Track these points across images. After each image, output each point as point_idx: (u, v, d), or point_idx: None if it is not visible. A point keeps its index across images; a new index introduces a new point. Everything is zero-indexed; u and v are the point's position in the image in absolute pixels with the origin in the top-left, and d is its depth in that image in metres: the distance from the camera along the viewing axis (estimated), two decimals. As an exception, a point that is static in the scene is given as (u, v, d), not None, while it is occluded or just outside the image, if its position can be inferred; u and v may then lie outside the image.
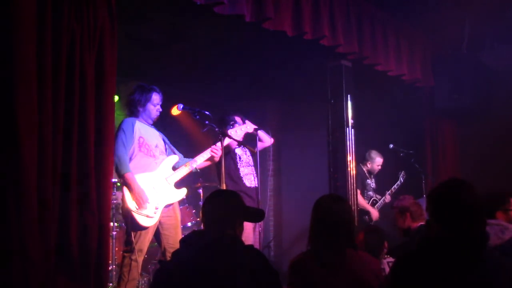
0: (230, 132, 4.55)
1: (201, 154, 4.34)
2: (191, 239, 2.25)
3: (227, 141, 4.56)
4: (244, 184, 5.00)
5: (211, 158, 4.37)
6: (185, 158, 4.41)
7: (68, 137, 2.92)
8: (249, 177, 5.09)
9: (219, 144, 4.29)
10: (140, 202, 3.87)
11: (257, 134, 4.75)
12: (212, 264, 2.09)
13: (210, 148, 4.35)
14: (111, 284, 4.59)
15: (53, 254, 2.78)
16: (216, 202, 2.39)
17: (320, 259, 2.58)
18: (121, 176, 3.93)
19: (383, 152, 6.32)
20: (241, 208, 2.38)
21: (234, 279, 2.06)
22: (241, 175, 5.04)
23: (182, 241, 2.27)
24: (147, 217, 3.89)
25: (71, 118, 2.93)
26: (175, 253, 2.25)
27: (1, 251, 2.53)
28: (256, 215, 2.55)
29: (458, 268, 1.79)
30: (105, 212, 3.10)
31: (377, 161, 6.25)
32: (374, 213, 6.08)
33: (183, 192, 4.20)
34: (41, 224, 2.68)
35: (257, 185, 5.16)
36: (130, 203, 3.87)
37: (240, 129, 4.62)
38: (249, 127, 4.67)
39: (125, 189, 3.91)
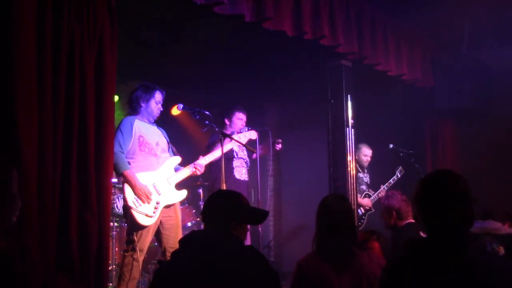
0: (235, 136, 4.60)
1: (203, 158, 4.38)
2: (190, 240, 2.25)
3: (229, 146, 4.60)
4: (233, 176, 5.03)
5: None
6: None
7: (68, 137, 2.92)
8: (240, 170, 5.13)
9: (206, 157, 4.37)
10: (143, 197, 3.88)
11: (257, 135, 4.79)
12: (211, 264, 2.08)
13: (194, 163, 4.37)
14: (111, 284, 4.59)
15: (53, 254, 2.78)
16: (213, 203, 2.39)
17: (330, 259, 2.57)
18: (120, 174, 3.94)
19: (382, 152, 6.31)
20: (238, 209, 2.36)
21: (233, 280, 2.06)
22: (233, 166, 5.07)
23: (181, 241, 2.27)
24: (147, 216, 3.89)
25: (71, 118, 2.93)
26: (175, 253, 2.25)
27: (1, 251, 2.53)
28: (254, 218, 2.48)
29: (444, 272, 1.76)
30: (105, 212, 3.10)
31: (363, 151, 6.12)
32: (366, 203, 6.02)
33: (183, 194, 4.20)
34: (41, 224, 2.68)
35: (247, 179, 5.19)
36: (130, 201, 3.88)
37: (244, 135, 4.66)
38: (253, 134, 4.71)
39: (126, 186, 3.92)
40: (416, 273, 1.79)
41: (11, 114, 2.57)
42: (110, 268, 4.60)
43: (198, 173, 4.35)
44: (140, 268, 4.00)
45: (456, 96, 6.03)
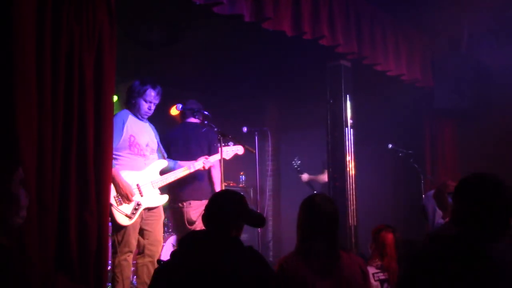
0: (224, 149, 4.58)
1: (197, 162, 4.38)
2: (190, 240, 2.25)
3: (230, 148, 4.60)
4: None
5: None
6: (173, 160, 4.40)
7: (67, 138, 2.92)
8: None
9: (213, 156, 4.41)
10: (125, 197, 3.85)
11: (256, 135, 4.77)
12: (210, 265, 2.09)
13: (202, 160, 4.39)
14: (110, 284, 4.59)
15: (53, 254, 2.78)
16: (214, 203, 2.39)
17: (314, 261, 2.56)
18: None
19: (382, 152, 6.30)
20: (239, 210, 2.36)
21: (233, 280, 2.06)
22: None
23: (181, 242, 2.28)
24: (126, 216, 3.86)
25: (70, 118, 2.94)
26: (174, 253, 2.25)
27: (1, 251, 2.53)
28: (255, 220, 2.50)
29: (464, 266, 1.77)
30: (104, 212, 3.11)
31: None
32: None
33: (164, 198, 4.18)
34: (40, 224, 2.68)
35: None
36: (112, 198, 3.82)
37: (231, 149, 4.62)
38: (240, 150, 4.67)
39: None
40: (438, 267, 1.81)
41: (10, 114, 2.57)
42: (109, 268, 4.60)
43: (206, 167, 4.40)
44: (131, 266, 3.98)
45: (455, 96, 6.02)
